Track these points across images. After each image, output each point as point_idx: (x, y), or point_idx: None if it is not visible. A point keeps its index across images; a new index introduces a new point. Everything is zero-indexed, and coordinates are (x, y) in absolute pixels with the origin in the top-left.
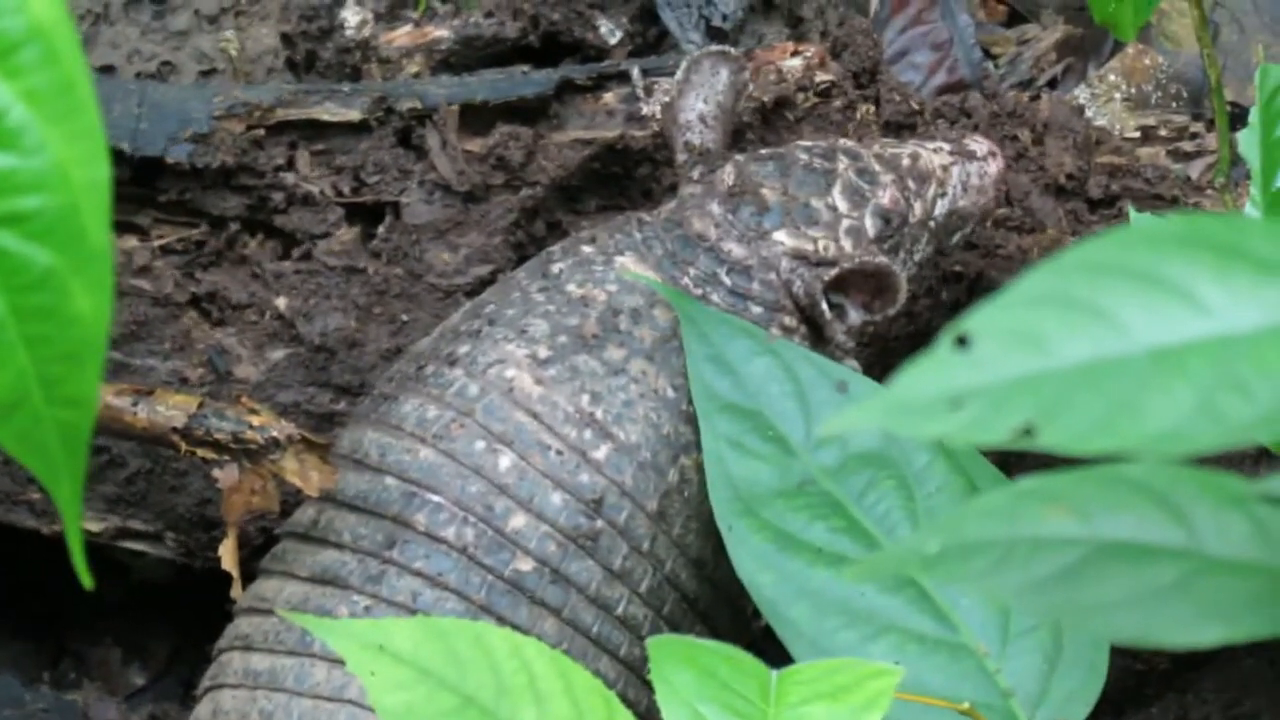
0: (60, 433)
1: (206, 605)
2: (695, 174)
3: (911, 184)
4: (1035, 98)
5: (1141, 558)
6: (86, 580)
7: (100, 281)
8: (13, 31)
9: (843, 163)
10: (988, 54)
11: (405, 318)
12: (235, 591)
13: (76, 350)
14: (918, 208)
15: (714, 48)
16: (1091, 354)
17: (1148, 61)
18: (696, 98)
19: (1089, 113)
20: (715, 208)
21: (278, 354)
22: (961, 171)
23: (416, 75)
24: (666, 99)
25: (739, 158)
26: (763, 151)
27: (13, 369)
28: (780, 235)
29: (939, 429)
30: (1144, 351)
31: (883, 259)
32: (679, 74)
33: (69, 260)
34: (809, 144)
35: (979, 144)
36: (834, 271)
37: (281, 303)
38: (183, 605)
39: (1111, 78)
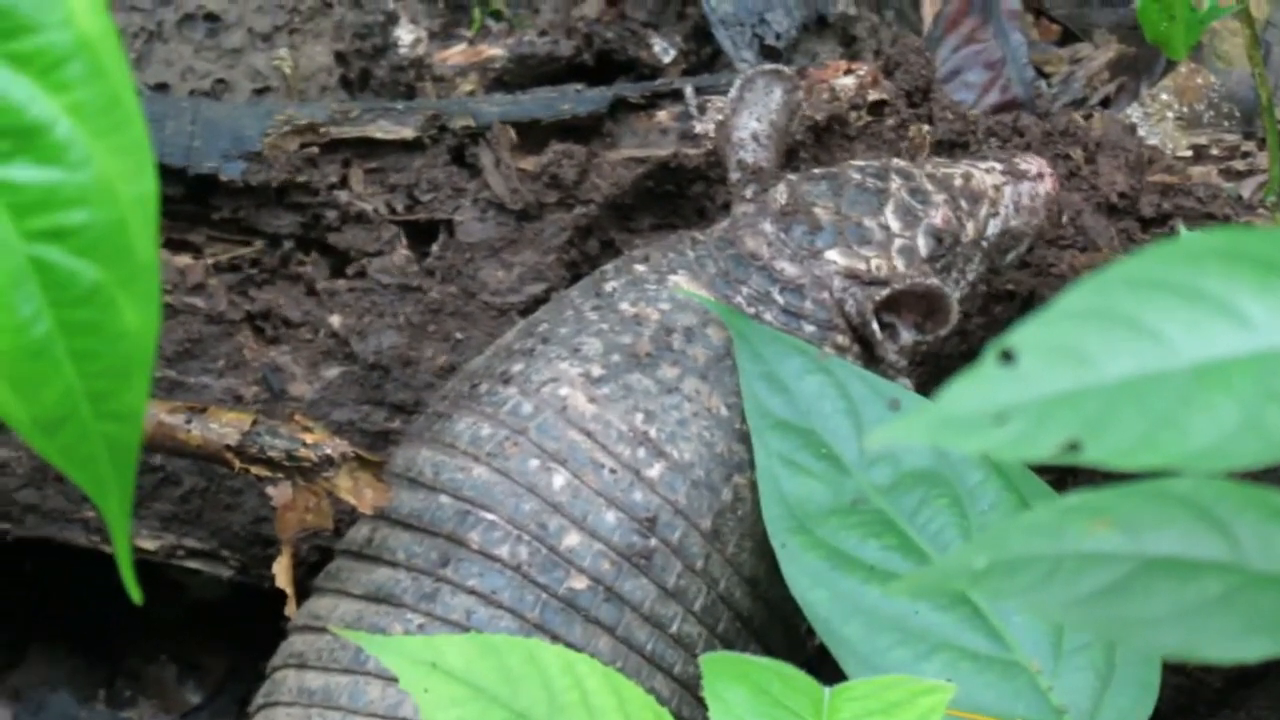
0: (108, 447)
1: (261, 623)
2: (748, 193)
3: (964, 204)
4: (1088, 116)
5: (1187, 572)
6: (136, 595)
7: (147, 296)
8: (59, 45)
9: (895, 182)
10: (1040, 73)
11: (459, 336)
12: (290, 609)
13: (124, 365)
14: (970, 227)
15: (768, 66)
16: (1135, 369)
17: (1200, 81)
18: (750, 116)
19: (1141, 131)
20: (768, 227)
21: (332, 372)
22: (1014, 191)
23: (470, 93)
24: (720, 117)
25: (792, 177)
26: (815, 171)
27: (60, 384)
28: (833, 254)
29: (984, 444)
30: (1187, 367)
31: (934, 280)
32: (733, 92)
33: (116, 275)
34: (862, 163)
35: (1031, 164)
36: (885, 292)
37: (335, 321)
38: (238, 623)
39: (1164, 97)
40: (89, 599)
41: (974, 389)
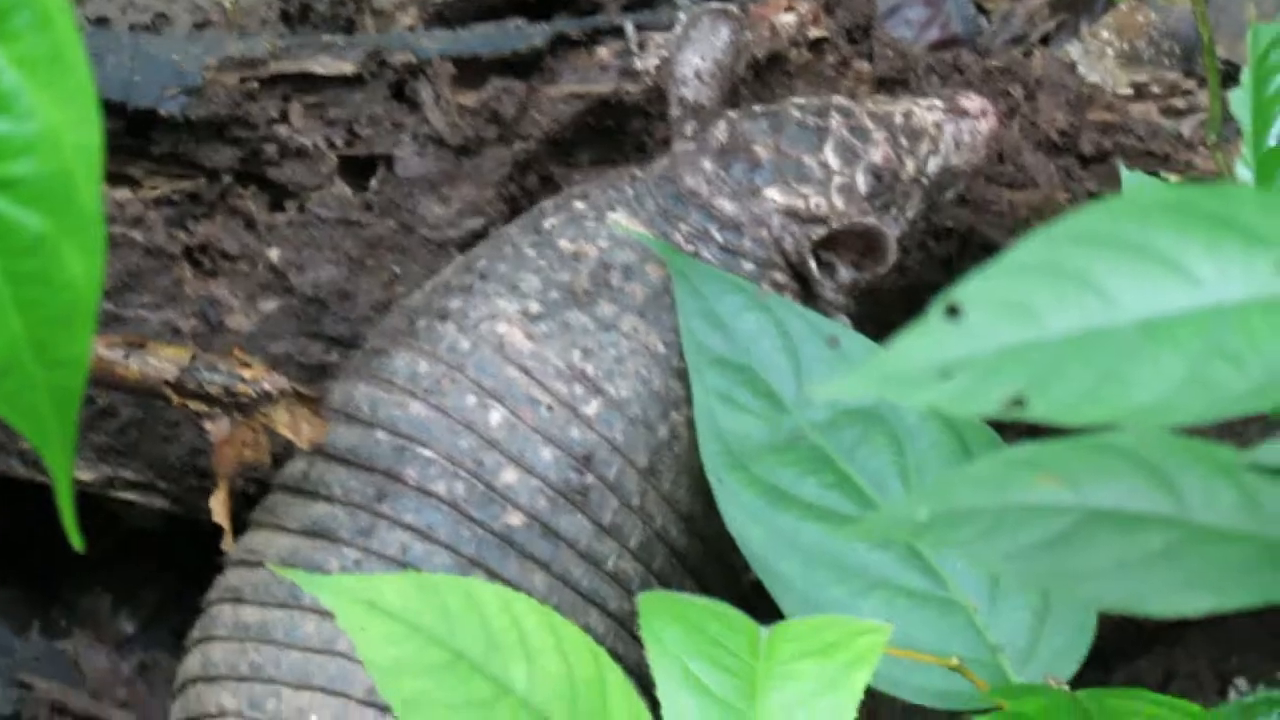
0: (52, 396)
1: (198, 553)
2: (688, 130)
3: (904, 141)
4: (1028, 54)
5: (1130, 526)
6: (77, 543)
7: (92, 245)
8: None
9: (835, 119)
10: (980, 9)
11: (397, 270)
12: (226, 544)
13: (68, 314)
14: (910, 165)
15: (715, 4)
16: (1081, 325)
17: (1140, 18)
18: (694, 53)
19: (1081, 69)
20: (708, 164)
21: (270, 305)
22: (954, 129)
23: (410, 28)
24: (664, 54)
25: (732, 114)
26: (756, 108)
27: (6, 333)
28: (772, 192)
29: (929, 398)
30: (1134, 322)
31: (872, 219)
32: (678, 29)
33: (61, 224)
34: (802, 101)
35: (972, 101)
36: (824, 230)
37: (274, 254)
38: (173, 553)
39: (1104, 34)
40: (24, 529)
41: (919, 343)
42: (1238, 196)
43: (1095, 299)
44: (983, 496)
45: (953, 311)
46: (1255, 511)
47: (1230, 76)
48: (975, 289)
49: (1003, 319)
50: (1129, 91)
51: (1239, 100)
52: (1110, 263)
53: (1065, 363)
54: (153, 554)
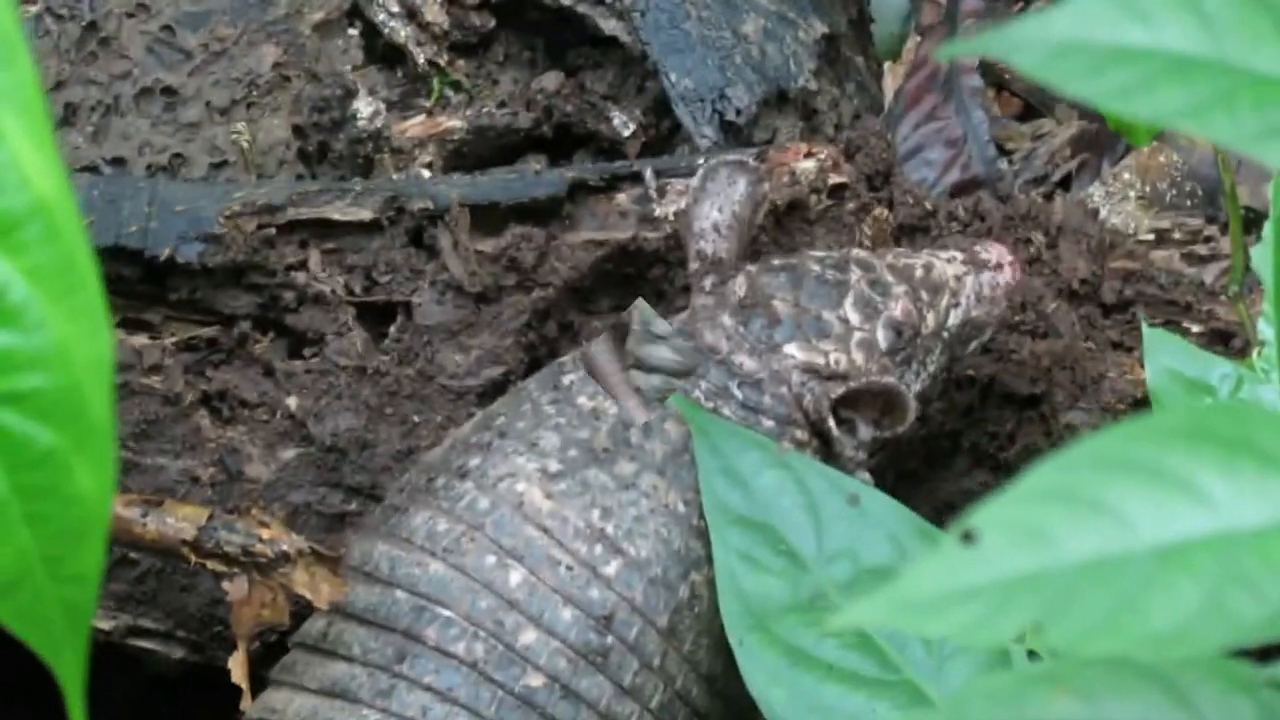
0: (63, 609)
1: (219, 698)
2: (707, 284)
3: (924, 295)
4: (1049, 197)
5: None
6: None
7: (102, 459)
8: (15, 209)
9: (855, 274)
10: (1002, 150)
11: (416, 419)
12: (245, 704)
13: (78, 528)
14: (930, 319)
15: (732, 156)
16: (1097, 551)
17: (1162, 159)
18: (712, 206)
19: (1103, 211)
20: (727, 320)
21: (289, 453)
22: (975, 281)
23: (429, 165)
24: (681, 204)
25: (751, 268)
26: (775, 262)
27: (15, 547)
28: (791, 348)
29: (945, 626)
30: (1150, 548)
31: (890, 380)
32: (695, 181)
33: (71, 439)
34: (821, 254)
35: (992, 252)
36: (843, 389)
37: (292, 402)
38: (194, 697)
39: (1126, 175)
40: (40, 677)
41: (934, 569)
42: (1252, 418)
43: (1111, 524)
44: (999, 712)
45: (968, 537)
46: None
47: (1253, 222)
48: (990, 514)
49: (1018, 545)
50: (1151, 237)
51: (1261, 258)
52: (1126, 487)
53: (1081, 590)
54: (173, 699)
